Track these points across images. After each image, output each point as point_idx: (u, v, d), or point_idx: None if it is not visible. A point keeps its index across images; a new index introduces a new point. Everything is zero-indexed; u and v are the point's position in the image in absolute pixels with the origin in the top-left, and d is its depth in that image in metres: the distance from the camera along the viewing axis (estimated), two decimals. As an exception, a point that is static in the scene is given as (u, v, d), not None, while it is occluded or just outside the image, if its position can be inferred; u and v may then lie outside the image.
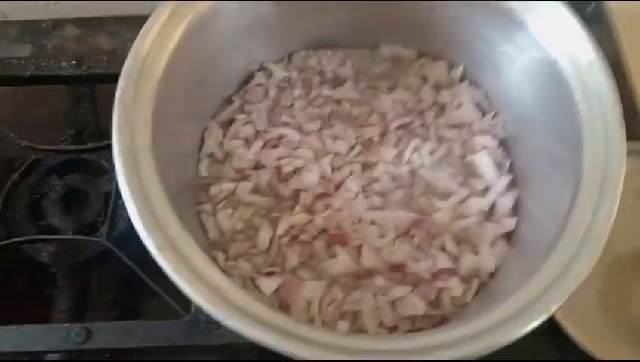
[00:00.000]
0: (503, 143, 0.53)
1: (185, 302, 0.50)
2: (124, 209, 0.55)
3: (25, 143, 0.55)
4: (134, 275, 0.50)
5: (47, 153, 0.57)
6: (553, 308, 0.35)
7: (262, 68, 0.55)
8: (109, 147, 0.56)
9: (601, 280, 0.55)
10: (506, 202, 0.49)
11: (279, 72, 0.55)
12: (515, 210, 0.50)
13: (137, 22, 0.78)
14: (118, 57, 0.61)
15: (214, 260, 0.47)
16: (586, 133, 0.40)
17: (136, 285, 0.51)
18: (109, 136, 0.57)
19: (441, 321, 0.46)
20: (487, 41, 0.49)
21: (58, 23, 0.75)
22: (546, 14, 0.43)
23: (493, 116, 0.53)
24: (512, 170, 0.52)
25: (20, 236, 0.53)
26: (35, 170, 0.57)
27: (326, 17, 0.53)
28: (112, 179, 0.56)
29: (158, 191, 0.37)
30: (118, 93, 0.39)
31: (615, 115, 0.40)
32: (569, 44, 0.43)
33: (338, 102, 0.55)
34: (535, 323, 0.34)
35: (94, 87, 0.60)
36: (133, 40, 0.76)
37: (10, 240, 0.52)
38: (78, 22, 0.75)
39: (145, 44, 0.41)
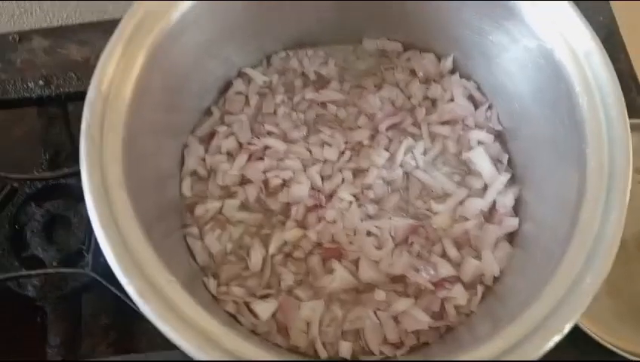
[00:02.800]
0: (499, 137, 0.50)
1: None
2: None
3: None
4: (120, 300, 0.48)
5: (24, 181, 0.54)
6: (567, 327, 0.32)
7: (240, 74, 0.52)
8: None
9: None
10: (507, 201, 0.47)
11: (259, 78, 0.51)
12: (517, 208, 0.47)
13: (108, 27, 0.75)
14: (89, 71, 0.58)
15: (205, 286, 0.44)
16: (588, 127, 0.38)
17: (129, 309, 0.49)
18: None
19: (447, 331, 0.44)
20: (478, 31, 0.46)
21: (25, 35, 0.72)
22: (539, 2, 0.40)
23: (487, 108, 0.50)
24: (510, 165, 0.49)
25: (3, 271, 0.51)
26: (12, 200, 0.54)
27: (305, 14, 0.50)
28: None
29: (135, 231, 0.34)
30: (83, 127, 0.36)
31: (618, 109, 0.37)
32: (565, 32, 0.40)
33: (323, 105, 0.52)
34: (548, 345, 0.32)
35: (66, 106, 0.57)
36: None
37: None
38: (45, 32, 0.72)
39: (108, 68, 0.38)
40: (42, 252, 0.53)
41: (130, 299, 0.47)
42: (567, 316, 0.33)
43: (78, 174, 0.54)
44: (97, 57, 0.71)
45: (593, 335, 0.48)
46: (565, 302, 0.33)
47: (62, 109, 0.56)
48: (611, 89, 0.38)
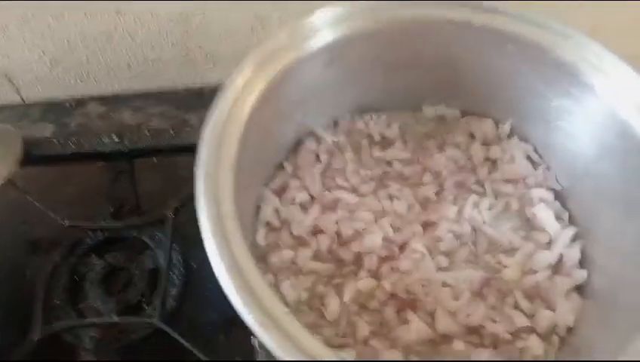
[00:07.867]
0: (558, 196, 0.52)
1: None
2: (173, 286, 0.53)
3: (67, 223, 0.52)
4: (183, 352, 0.47)
5: (87, 232, 0.55)
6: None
7: (310, 134, 0.55)
8: (151, 224, 0.54)
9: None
10: (573, 254, 0.48)
11: (329, 137, 0.54)
12: (582, 261, 0.49)
13: (162, 96, 0.78)
14: (159, 132, 0.61)
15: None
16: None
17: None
18: (149, 212, 0.56)
19: (527, 383, 0.44)
20: (540, 96, 0.49)
21: (80, 102, 0.75)
22: (601, 66, 0.44)
23: (545, 169, 0.53)
24: (571, 221, 0.51)
25: (60, 322, 0.50)
26: (74, 249, 0.54)
27: (373, 83, 0.54)
28: (156, 256, 0.54)
29: (250, 263, 0.35)
30: (200, 164, 0.37)
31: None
32: (628, 92, 0.43)
33: (389, 163, 0.54)
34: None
35: (132, 162, 0.59)
36: (157, 114, 0.76)
37: (54, 328, 0.48)
38: (101, 99, 0.75)
39: (218, 118, 0.40)
40: (101, 304, 0.52)
41: (195, 348, 0.47)
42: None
43: (142, 227, 0.55)
44: (150, 123, 0.74)
45: None
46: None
47: (129, 164, 0.58)
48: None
